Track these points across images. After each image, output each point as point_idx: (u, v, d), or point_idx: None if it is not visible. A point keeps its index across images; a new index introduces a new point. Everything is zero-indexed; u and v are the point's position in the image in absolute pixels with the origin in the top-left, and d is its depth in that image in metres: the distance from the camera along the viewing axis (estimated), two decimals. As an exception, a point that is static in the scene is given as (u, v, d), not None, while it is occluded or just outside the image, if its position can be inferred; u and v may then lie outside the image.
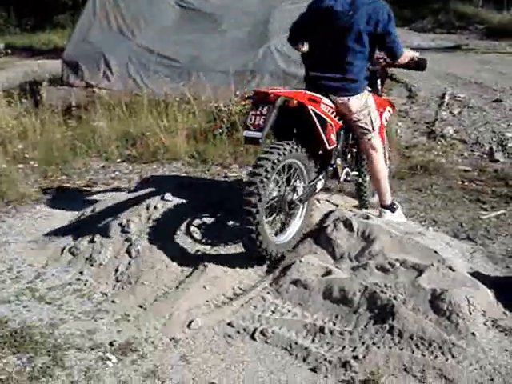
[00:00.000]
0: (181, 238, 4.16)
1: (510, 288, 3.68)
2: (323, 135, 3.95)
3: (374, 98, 4.40)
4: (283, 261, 3.96)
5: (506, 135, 7.26)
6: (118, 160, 6.87)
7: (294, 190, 3.96)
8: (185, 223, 4.28)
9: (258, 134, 3.65)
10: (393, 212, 4.52)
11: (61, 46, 13.71)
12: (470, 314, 3.29)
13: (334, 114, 4.09)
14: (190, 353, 3.23)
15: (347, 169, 4.50)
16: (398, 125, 7.71)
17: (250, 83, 8.64)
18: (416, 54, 4.36)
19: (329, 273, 3.76)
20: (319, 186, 4.21)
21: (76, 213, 5.11)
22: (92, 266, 4.12)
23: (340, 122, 4.18)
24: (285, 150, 3.70)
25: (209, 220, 4.32)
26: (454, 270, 3.65)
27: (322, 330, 3.32)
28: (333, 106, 4.08)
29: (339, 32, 4.01)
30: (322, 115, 3.93)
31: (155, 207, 4.42)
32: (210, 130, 7.02)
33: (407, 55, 4.27)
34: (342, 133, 4.29)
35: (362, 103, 4.18)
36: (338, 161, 4.35)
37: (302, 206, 4.10)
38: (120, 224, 4.35)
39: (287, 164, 3.82)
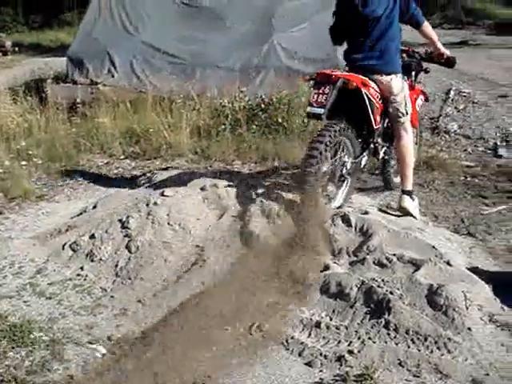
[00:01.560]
0: (180, 234, 4.18)
1: (509, 283, 3.68)
2: (371, 115, 4.42)
3: (410, 85, 4.82)
4: (282, 256, 3.97)
5: (509, 130, 7.23)
6: (122, 157, 6.89)
7: (343, 164, 4.49)
8: (184, 219, 4.30)
9: (320, 111, 4.17)
10: (412, 200, 4.67)
11: (68, 43, 13.70)
12: (467, 308, 3.30)
13: (379, 97, 4.49)
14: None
15: (386, 148, 4.95)
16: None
17: (254, 79, 8.64)
18: (447, 52, 4.73)
19: (327, 268, 3.78)
20: (364, 161, 4.73)
21: (78, 209, 5.14)
22: (92, 261, 4.15)
23: (382, 105, 4.56)
24: (335, 130, 4.19)
25: (208, 215, 4.34)
26: (451, 265, 3.66)
27: (318, 324, 3.33)
28: (378, 89, 4.47)
29: (368, 18, 4.36)
30: (372, 98, 4.39)
31: (155, 203, 4.44)
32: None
33: (438, 44, 4.67)
34: (383, 115, 4.67)
35: (400, 86, 4.54)
36: (379, 139, 4.80)
37: (349, 179, 4.60)
38: (120, 220, 4.37)
39: (337, 141, 4.30)
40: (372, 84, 4.41)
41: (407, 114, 4.60)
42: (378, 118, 4.55)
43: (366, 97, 4.33)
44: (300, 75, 7.66)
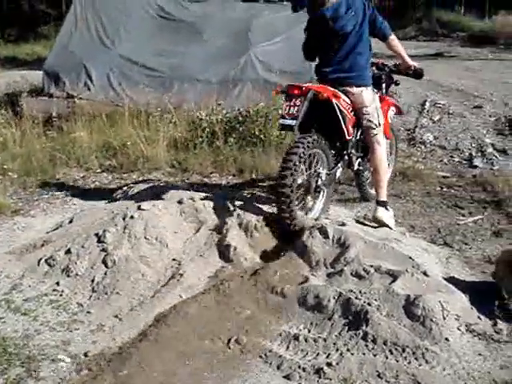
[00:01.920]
0: (157, 248, 4.15)
1: (486, 293, 3.70)
2: (343, 126, 4.49)
3: (380, 97, 4.94)
4: (259, 269, 3.97)
5: (485, 141, 7.33)
6: (98, 170, 6.84)
7: (319, 176, 4.54)
8: (161, 233, 4.28)
9: (292, 122, 4.26)
10: (387, 210, 4.72)
11: (44, 56, 13.63)
12: (444, 319, 3.31)
13: (350, 109, 4.57)
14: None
15: (360, 159, 5.02)
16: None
17: (231, 92, 8.66)
18: (414, 64, 4.86)
19: (305, 280, 3.78)
20: (338, 173, 4.83)
21: (54, 224, 5.09)
22: (68, 276, 4.09)
23: (354, 117, 4.64)
24: (309, 142, 4.24)
25: (185, 229, 4.32)
26: (428, 276, 3.67)
27: (296, 337, 3.32)
28: (349, 101, 4.55)
29: (338, 33, 4.48)
30: (343, 109, 4.46)
31: (132, 217, 4.41)
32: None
33: (405, 57, 4.81)
34: (355, 127, 4.75)
35: (371, 98, 4.64)
36: (353, 151, 4.86)
37: (325, 190, 4.65)
38: (96, 234, 4.33)
39: (311, 153, 4.35)
40: (343, 96, 4.49)
41: (379, 125, 4.67)
42: (351, 129, 4.62)
43: (337, 108, 4.40)
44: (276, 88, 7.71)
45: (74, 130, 7.46)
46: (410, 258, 3.87)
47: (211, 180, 6.35)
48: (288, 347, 3.28)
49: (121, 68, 9.21)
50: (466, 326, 3.36)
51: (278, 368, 3.13)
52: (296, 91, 4.30)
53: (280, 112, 4.43)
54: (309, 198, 4.54)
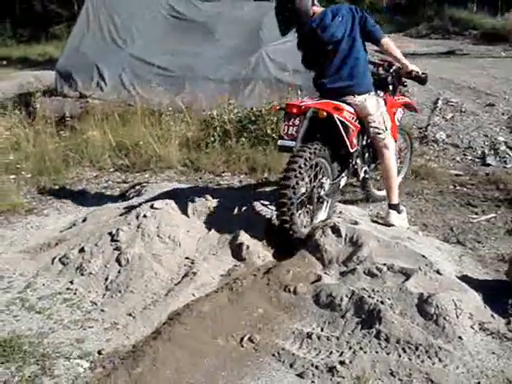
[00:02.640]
0: (170, 247, 4.17)
1: (499, 291, 3.69)
2: (346, 140, 4.37)
3: (387, 99, 4.81)
4: (272, 267, 3.98)
5: (498, 139, 7.28)
6: (111, 169, 6.89)
7: (321, 186, 4.44)
8: (174, 231, 4.30)
9: (291, 143, 4.14)
10: (399, 213, 4.68)
11: (56, 57, 13.72)
12: (457, 317, 3.30)
13: (354, 118, 4.45)
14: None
15: (366, 167, 4.95)
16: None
17: (243, 91, 8.68)
18: (415, 68, 4.61)
19: (318, 279, 3.78)
20: (342, 182, 4.71)
21: (67, 223, 5.13)
22: (82, 275, 4.11)
23: (359, 125, 4.53)
24: (314, 149, 4.16)
25: (198, 227, 4.34)
26: (441, 274, 3.66)
27: (309, 335, 3.32)
28: (353, 111, 4.43)
29: (329, 42, 4.37)
30: (346, 122, 4.34)
31: (145, 216, 4.43)
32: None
33: (403, 61, 4.57)
34: (360, 135, 4.66)
35: (375, 104, 4.53)
36: (358, 160, 4.78)
37: (328, 200, 4.55)
38: (110, 233, 4.36)
39: (315, 162, 4.25)
40: (346, 107, 4.38)
41: (387, 129, 4.59)
42: (355, 141, 4.51)
43: (339, 122, 4.27)
44: (289, 86, 7.73)
45: (86, 130, 7.51)
46: (423, 256, 3.86)
47: (223, 179, 6.36)
48: (301, 345, 3.28)
49: (133, 68, 9.27)
50: (480, 324, 3.34)
51: (291, 366, 3.13)
52: (295, 110, 4.18)
53: (279, 132, 4.32)
54: (311, 208, 4.42)
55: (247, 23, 9.58)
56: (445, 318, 3.27)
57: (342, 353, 3.18)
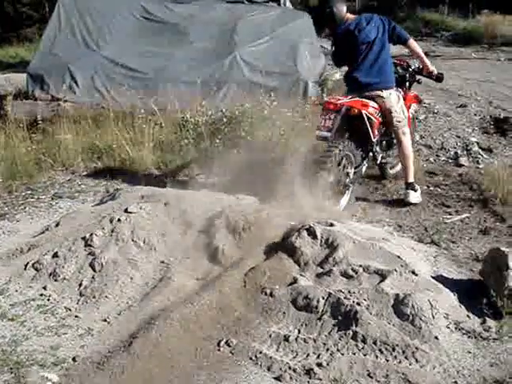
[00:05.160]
0: (144, 251, 4.13)
1: (474, 290, 3.72)
2: (371, 132, 5.21)
3: (404, 95, 5.61)
4: (248, 270, 3.95)
5: (470, 140, 7.35)
6: (84, 173, 6.81)
7: (347, 175, 5.23)
8: (148, 235, 4.26)
9: (327, 134, 4.96)
10: (415, 191, 5.51)
11: (28, 59, 13.54)
12: (433, 317, 3.33)
13: (377, 112, 5.28)
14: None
15: (382, 153, 5.80)
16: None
17: (217, 93, 8.65)
18: (434, 69, 5.52)
19: (295, 281, 3.77)
20: (364, 169, 5.57)
21: (40, 228, 5.05)
22: (56, 280, 4.06)
23: (380, 119, 5.34)
24: (344, 144, 5.00)
25: (173, 231, 4.30)
26: (416, 275, 3.68)
27: (286, 338, 3.32)
28: (376, 106, 5.26)
29: (363, 42, 5.20)
30: (371, 116, 5.18)
31: (119, 220, 4.38)
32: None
33: (425, 61, 5.50)
34: (381, 126, 5.45)
35: (396, 98, 5.34)
36: (377, 148, 5.62)
37: (351, 187, 5.37)
38: (83, 238, 4.30)
39: (343, 156, 5.04)
40: (371, 103, 5.19)
41: (405, 117, 5.40)
42: (376, 132, 5.32)
43: (365, 117, 5.10)
44: (261, 88, 7.72)
45: (59, 133, 7.40)
46: (399, 257, 3.87)
47: (198, 181, 6.32)
48: (278, 348, 3.28)
49: (105, 70, 9.18)
50: (455, 324, 3.37)
51: (269, 369, 3.13)
52: (332, 106, 4.97)
53: (317, 124, 5.05)
54: (337, 194, 5.06)
55: (221, 25, 9.56)
56: (421, 319, 3.30)
57: (320, 355, 3.18)
